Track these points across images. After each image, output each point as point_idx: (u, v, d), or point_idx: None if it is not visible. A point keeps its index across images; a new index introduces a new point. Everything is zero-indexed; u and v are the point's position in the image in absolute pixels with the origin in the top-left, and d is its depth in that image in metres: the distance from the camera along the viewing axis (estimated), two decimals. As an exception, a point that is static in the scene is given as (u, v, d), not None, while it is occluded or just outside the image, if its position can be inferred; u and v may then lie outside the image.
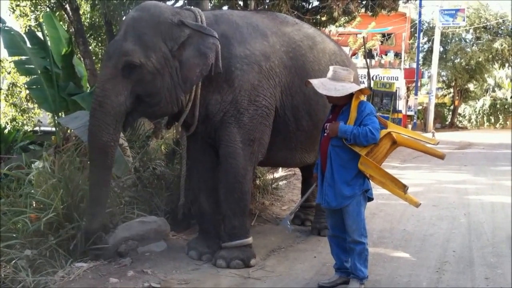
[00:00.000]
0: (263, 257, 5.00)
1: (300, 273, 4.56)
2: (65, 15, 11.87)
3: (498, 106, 35.49)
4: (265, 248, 5.25)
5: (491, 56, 30.31)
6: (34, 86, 7.28)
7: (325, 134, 4.08)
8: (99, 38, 13.66)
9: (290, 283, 4.33)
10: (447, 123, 35.36)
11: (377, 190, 4.23)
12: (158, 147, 7.79)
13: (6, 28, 7.11)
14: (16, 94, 16.03)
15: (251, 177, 4.93)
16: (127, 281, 4.21)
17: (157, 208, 5.80)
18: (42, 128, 13.40)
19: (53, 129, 8.49)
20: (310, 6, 12.13)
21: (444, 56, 30.85)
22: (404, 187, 3.98)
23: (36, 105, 14.76)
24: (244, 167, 4.70)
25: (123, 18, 4.90)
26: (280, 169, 9.41)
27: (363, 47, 21.61)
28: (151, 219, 5.22)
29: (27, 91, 12.63)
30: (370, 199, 4.13)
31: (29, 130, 13.79)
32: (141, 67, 4.27)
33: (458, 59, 31.14)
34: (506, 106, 34.82)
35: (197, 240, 5.04)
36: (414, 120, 27.10)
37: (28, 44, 7.14)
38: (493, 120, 35.91)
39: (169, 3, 8.94)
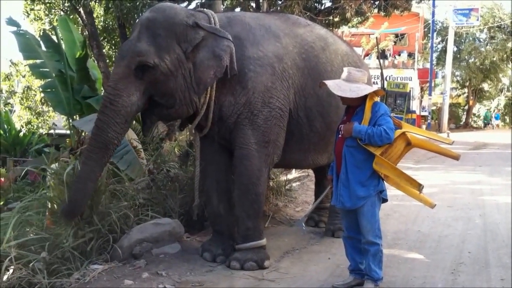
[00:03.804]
0: (277, 258, 4.99)
1: (314, 275, 4.54)
2: (79, 18, 11.96)
3: (513, 105, 35.24)
4: (279, 250, 5.23)
5: (505, 55, 30.12)
6: (49, 89, 7.35)
7: (340, 135, 4.08)
8: (113, 41, 13.72)
9: (304, 285, 4.31)
10: (461, 123, 35.12)
11: (391, 191, 4.21)
12: (171, 149, 7.81)
13: (21, 31, 7.19)
14: (31, 97, 16.22)
15: (266, 179, 4.91)
16: (141, 283, 4.23)
17: (171, 210, 5.81)
18: (57, 131, 13.54)
19: (68, 132, 8.57)
20: (322, 7, 12.15)
21: (458, 56, 30.68)
22: (419, 186, 3.95)
23: (51, 108, 14.91)
24: (259, 168, 4.68)
25: (137, 20, 4.91)
26: (294, 170, 9.39)
27: (376, 47, 21.52)
28: (165, 221, 5.22)
29: (42, 94, 12.76)
30: (385, 200, 4.10)
31: (44, 133, 13.93)
32: (155, 68, 4.26)
33: (472, 59, 30.97)
34: (521, 106, 34.58)
35: (211, 242, 5.03)
36: (428, 121, 26.96)
37: (43, 48, 7.22)
38: (508, 120, 35.61)
39: (182, 5, 8.98)
